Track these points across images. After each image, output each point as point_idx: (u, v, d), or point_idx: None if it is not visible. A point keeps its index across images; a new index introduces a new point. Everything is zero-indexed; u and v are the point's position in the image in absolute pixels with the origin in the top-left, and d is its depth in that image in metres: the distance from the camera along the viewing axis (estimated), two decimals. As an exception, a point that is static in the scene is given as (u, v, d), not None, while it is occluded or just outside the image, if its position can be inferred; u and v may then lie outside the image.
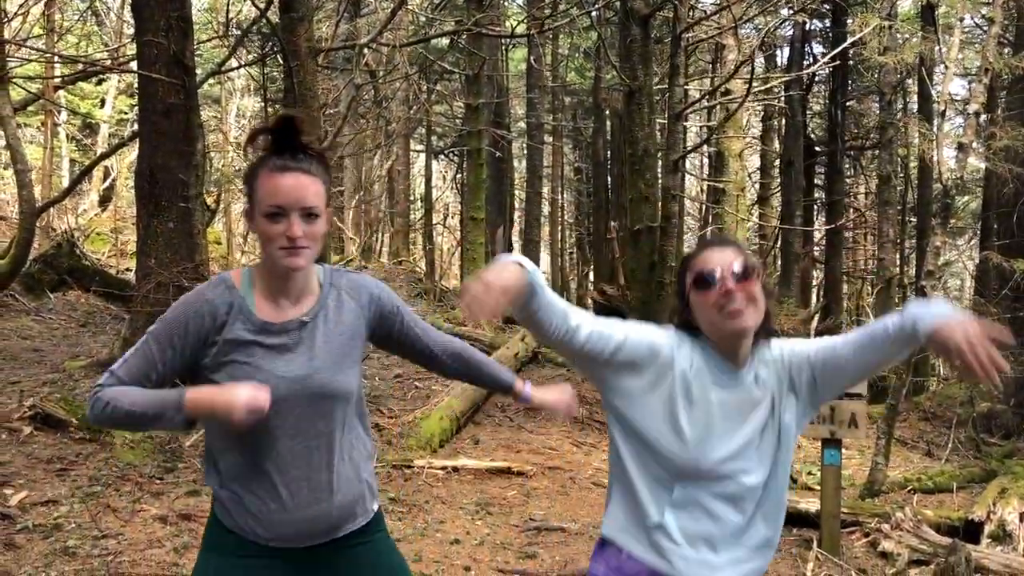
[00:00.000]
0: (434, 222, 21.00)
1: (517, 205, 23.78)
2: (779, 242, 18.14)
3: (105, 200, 18.79)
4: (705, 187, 21.30)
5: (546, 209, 24.08)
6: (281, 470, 1.95)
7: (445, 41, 15.79)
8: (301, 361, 1.96)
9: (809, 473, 7.87)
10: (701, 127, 18.62)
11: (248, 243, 21.15)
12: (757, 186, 20.01)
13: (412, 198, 22.71)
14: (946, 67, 8.13)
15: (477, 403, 8.55)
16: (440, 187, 25.66)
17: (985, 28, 11.35)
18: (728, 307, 1.88)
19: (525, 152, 22.08)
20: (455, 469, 6.65)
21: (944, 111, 8.20)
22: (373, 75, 13.90)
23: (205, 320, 1.93)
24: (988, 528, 6.28)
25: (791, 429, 2.00)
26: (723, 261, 1.91)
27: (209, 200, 14.52)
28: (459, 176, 21.63)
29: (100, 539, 4.45)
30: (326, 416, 1.99)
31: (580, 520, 5.88)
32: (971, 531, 6.31)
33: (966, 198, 20.36)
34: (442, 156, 22.73)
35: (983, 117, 9.90)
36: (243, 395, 1.82)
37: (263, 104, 14.70)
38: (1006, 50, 12.42)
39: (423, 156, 21.97)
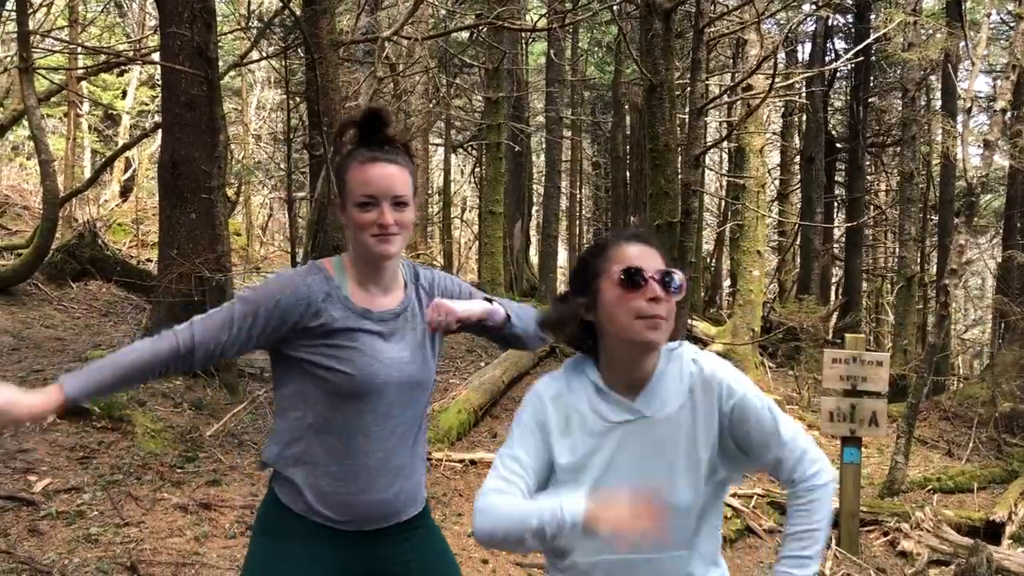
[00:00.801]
0: (452, 216, 21.00)
1: (535, 199, 23.74)
2: (799, 239, 18.05)
3: (126, 191, 18.92)
4: (724, 183, 21.20)
5: (564, 204, 24.04)
6: (366, 453, 2.01)
7: (465, 35, 15.78)
8: (397, 349, 2.04)
9: (828, 471, 7.82)
10: (721, 123, 18.52)
11: (267, 235, 21.24)
12: (777, 182, 19.90)
13: (430, 192, 22.73)
14: (972, 63, 8.04)
15: (495, 397, 8.56)
16: (458, 181, 25.66)
17: (1012, 24, 11.22)
18: (650, 313, 1.69)
19: (544, 146, 22.06)
20: (473, 462, 6.66)
21: (970, 108, 8.12)
22: (393, 68, 13.91)
23: (300, 304, 1.97)
24: (1009, 529, 6.25)
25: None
26: (654, 263, 1.73)
27: (229, 192, 14.60)
28: (478, 170, 21.63)
29: (122, 527, 4.49)
30: (413, 404, 2.08)
31: (598, 515, 5.87)
32: (992, 532, 6.28)
33: (989, 196, 20.16)
34: (461, 150, 22.72)
35: (1008, 114, 9.79)
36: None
37: (285, 97, 14.75)
38: (1032, 47, 12.25)
39: (442, 150, 21.97)
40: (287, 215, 16.66)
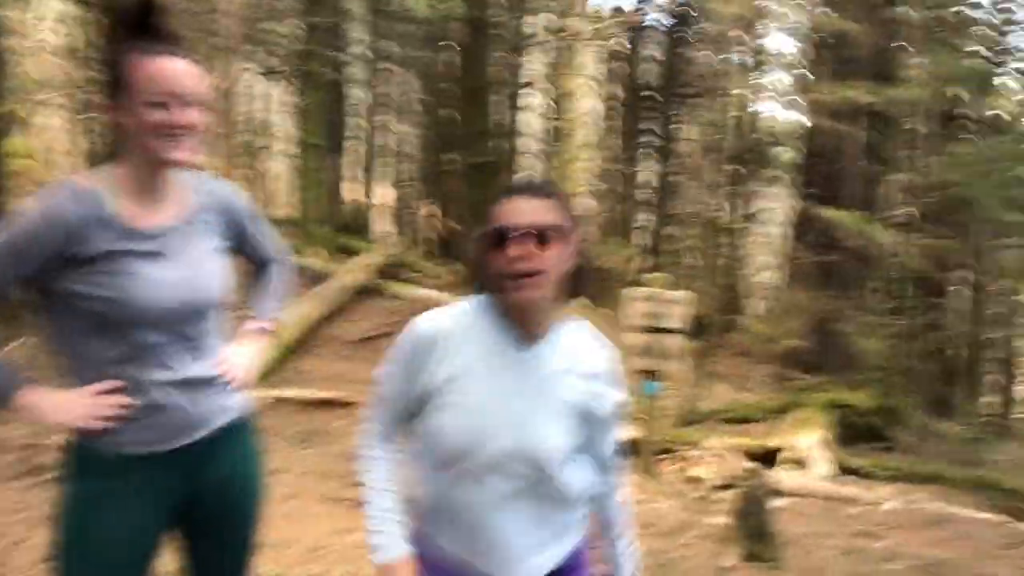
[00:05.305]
0: (266, 147, 20.14)
1: (357, 134, 23.13)
2: (608, 184, 18.62)
3: None
4: (547, 125, 21.52)
5: (389, 140, 23.58)
6: (153, 372, 1.88)
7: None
8: (172, 268, 1.88)
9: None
10: (543, 64, 18.64)
11: (69, 157, 19.54)
12: (594, 127, 20.39)
13: (242, 120, 21.63)
14: (771, 23, 8.49)
15: (306, 334, 8.40)
16: (274, 111, 24.56)
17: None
18: (513, 270, 1.60)
19: (367, 80, 21.47)
20: (280, 400, 6.52)
21: (764, 64, 8.59)
22: (202, -16, 13.00)
23: (58, 235, 1.76)
24: (784, 454, 6.87)
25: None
26: (524, 215, 1.61)
27: (8, 109, 13.26)
28: (294, 99, 20.77)
29: None
30: (197, 322, 1.95)
31: (407, 450, 5.92)
32: (771, 458, 6.88)
33: (782, 148, 21.55)
34: (278, 78, 21.69)
35: (804, 73, 10.46)
36: (76, 414, 1.83)
37: (83, 9, 13.53)
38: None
39: (251, 75, 20.87)
40: (87, 138, 15.39)
